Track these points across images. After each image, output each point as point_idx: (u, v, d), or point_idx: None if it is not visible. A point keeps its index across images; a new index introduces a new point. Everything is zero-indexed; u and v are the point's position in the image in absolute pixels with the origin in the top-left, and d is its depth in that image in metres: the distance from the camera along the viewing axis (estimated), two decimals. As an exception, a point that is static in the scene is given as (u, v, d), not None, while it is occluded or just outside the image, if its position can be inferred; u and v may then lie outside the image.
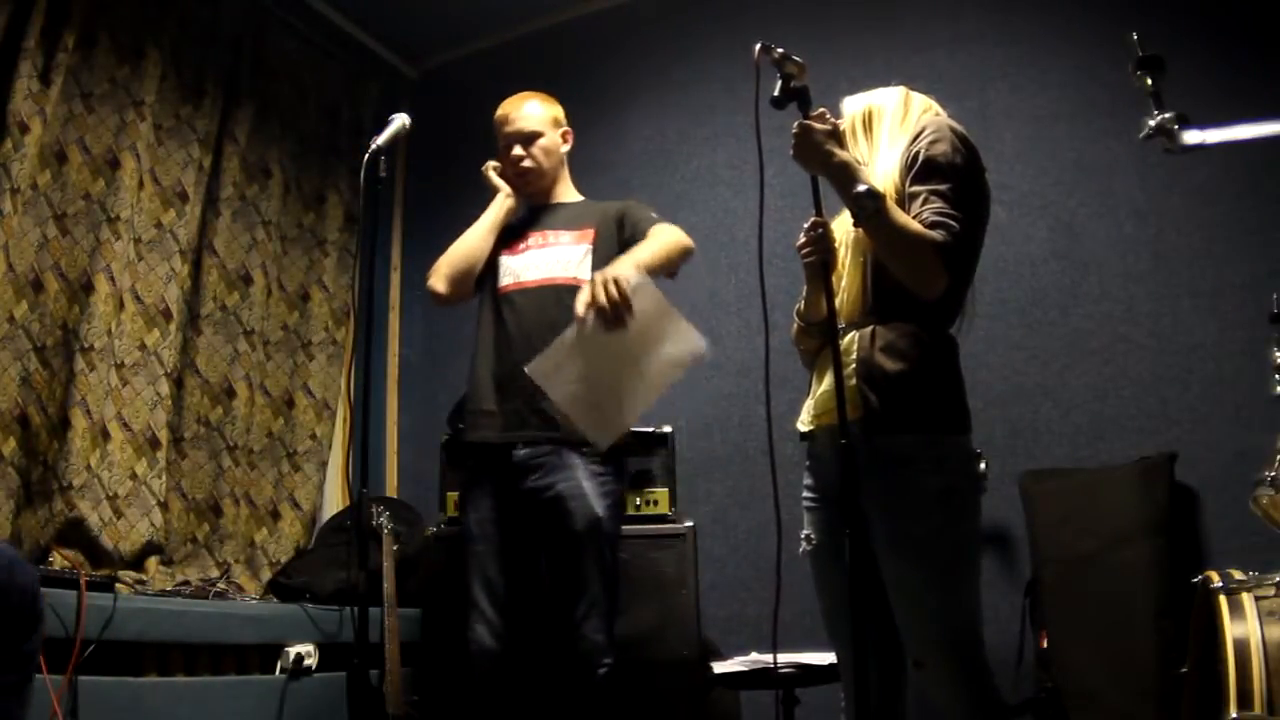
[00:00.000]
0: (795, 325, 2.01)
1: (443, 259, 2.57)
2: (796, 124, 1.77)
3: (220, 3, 3.58)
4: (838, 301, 1.83)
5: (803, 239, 1.81)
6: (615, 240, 2.50)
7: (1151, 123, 1.67)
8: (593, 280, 2.05)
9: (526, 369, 2.03)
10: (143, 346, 3.18)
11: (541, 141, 2.60)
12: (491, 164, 2.68)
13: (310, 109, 3.97)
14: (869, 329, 1.78)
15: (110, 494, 2.96)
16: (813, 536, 1.89)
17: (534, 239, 2.58)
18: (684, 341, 2.02)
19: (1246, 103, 2.62)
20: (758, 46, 1.73)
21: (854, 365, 1.76)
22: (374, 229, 2.62)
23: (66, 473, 2.85)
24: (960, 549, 1.73)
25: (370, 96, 4.22)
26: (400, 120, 2.35)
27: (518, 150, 2.59)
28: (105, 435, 2.99)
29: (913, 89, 2.01)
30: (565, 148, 2.67)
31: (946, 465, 1.73)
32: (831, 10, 3.42)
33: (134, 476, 3.07)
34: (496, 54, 4.25)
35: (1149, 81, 1.70)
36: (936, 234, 1.71)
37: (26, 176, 2.87)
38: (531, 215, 2.66)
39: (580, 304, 2.02)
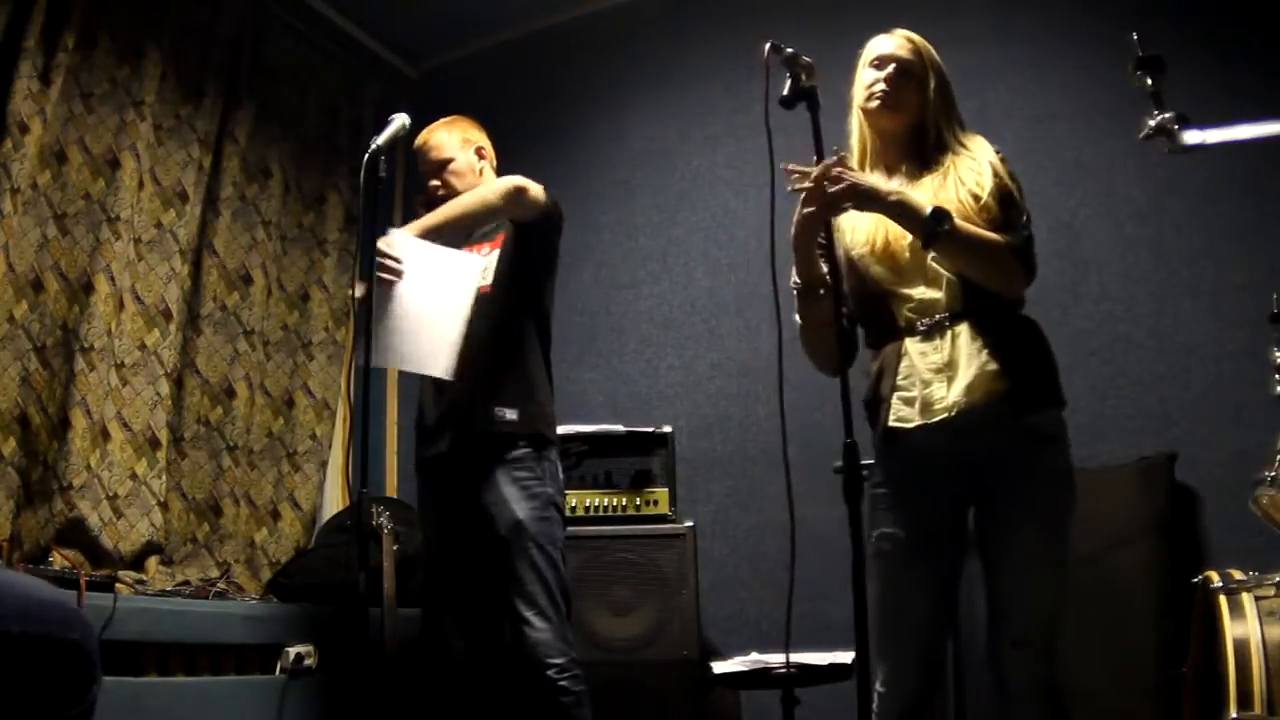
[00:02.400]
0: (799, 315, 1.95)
1: None
2: (829, 172, 1.75)
3: (220, 3, 3.58)
4: (924, 294, 1.85)
5: (805, 183, 1.77)
6: (514, 236, 2.54)
7: (1151, 123, 1.67)
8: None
9: (373, 361, 2.27)
10: (143, 346, 3.18)
11: (453, 166, 2.62)
12: (420, 197, 2.71)
13: (310, 109, 3.98)
14: (984, 316, 1.82)
15: (110, 494, 2.96)
16: (897, 534, 1.85)
17: None
18: (462, 266, 2.38)
19: (1246, 103, 2.62)
20: (767, 45, 1.72)
21: (987, 349, 1.79)
22: (374, 229, 2.62)
23: (66, 473, 2.85)
24: (1072, 531, 1.80)
25: (370, 96, 4.23)
26: (400, 120, 2.35)
27: (433, 181, 2.63)
28: (105, 435, 2.99)
29: None
30: (483, 164, 2.68)
31: (1069, 449, 1.83)
32: (831, 10, 3.42)
33: (134, 476, 3.07)
34: (496, 54, 4.25)
35: (1149, 81, 1.69)
36: (1012, 238, 1.80)
37: (26, 176, 2.87)
38: (467, 233, 2.69)
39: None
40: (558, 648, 2.29)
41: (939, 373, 1.81)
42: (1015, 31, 3.24)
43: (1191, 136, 1.64)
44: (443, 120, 2.70)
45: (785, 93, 1.73)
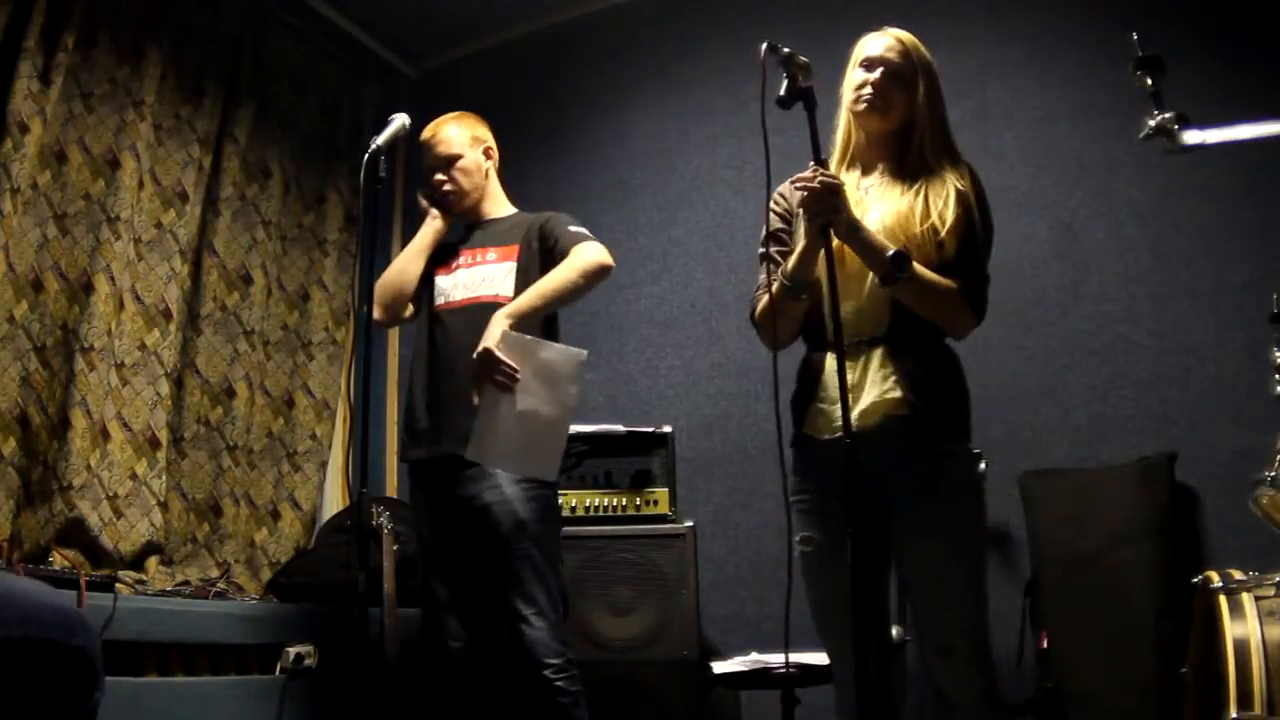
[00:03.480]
0: (770, 292, 1.93)
1: (378, 284, 2.62)
2: (819, 179, 1.75)
3: (220, 3, 3.58)
4: (854, 312, 1.86)
5: (802, 192, 1.78)
6: (538, 254, 2.54)
7: (1151, 123, 1.68)
8: (473, 361, 2.29)
9: (468, 455, 2.29)
10: (143, 346, 3.18)
11: (461, 163, 2.62)
12: (422, 190, 2.72)
13: (310, 109, 3.98)
14: (902, 344, 1.86)
15: (110, 494, 2.96)
16: (814, 537, 1.89)
17: (464, 257, 2.62)
18: (568, 361, 2.33)
19: (1246, 103, 2.61)
20: (764, 46, 1.73)
21: (894, 376, 1.83)
22: (374, 229, 2.63)
23: (66, 473, 2.85)
24: (984, 542, 1.88)
25: (370, 96, 4.23)
26: (400, 120, 2.36)
27: (439, 175, 2.63)
28: (105, 435, 2.99)
29: None
30: (489, 164, 2.68)
31: (974, 465, 1.91)
32: (830, 10, 3.42)
33: (134, 476, 3.07)
34: (496, 54, 4.25)
35: (1149, 81, 1.70)
36: (964, 284, 1.84)
37: (26, 176, 2.87)
38: (466, 233, 2.70)
39: (472, 389, 2.30)
40: (555, 648, 2.30)
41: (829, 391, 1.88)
42: (1015, 31, 3.24)
43: (1191, 136, 1.65)
44: (452, 115, 2.69)
45: (782, 93, 1.73)
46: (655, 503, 2.94)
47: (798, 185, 1.79)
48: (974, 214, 1.89)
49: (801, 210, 1.83)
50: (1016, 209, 3.09)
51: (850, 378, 1.84)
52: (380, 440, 3.99)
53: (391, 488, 4.01)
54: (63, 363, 2.95)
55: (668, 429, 3.05)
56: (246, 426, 3.50)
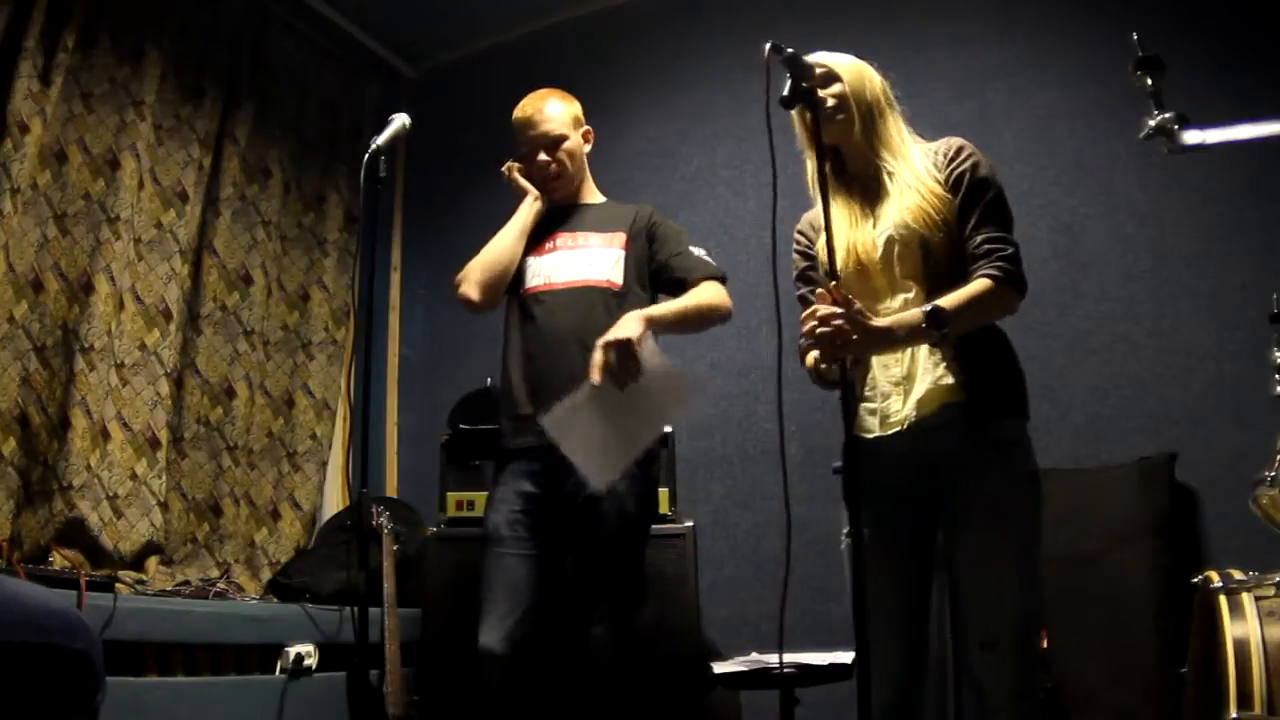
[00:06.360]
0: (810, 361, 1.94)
1: (474, 265, 2.50)
2: (831, 324, 1.69)
3: (220, 3, 3.58)
4: (894, 311, 1.83)
5: (810, 326, 1.72)
6: (646, 254, 2.49)
7: (1151, 123, 1.68)
8: (604, 344, 2.14)
9: (540, 420, 2.14)
10: (143, 346, 3.18)
11: (567, 145, 2.53)
12: (515, 165, 2.61)
13: (310, 109, 3.98)
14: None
15: (110, 494, 2.96)
16: (865, 532, 1.87)
17: (562, 240, 2.53)
18: (680, 386, 2.28)
19: (1246, 103, 2.62)
20: (768, 46, 1.72)
21: (944, 362, 1.82)
22: (374, 229, 2.63)
23: (66, 473, 2.85)
24: (1040, 533, 1.81)
25: (370, 96, 4.23)
26: (400, 120, 2.35)
27: (544, 156, 2.53)
28: (105, 435, 2.99)
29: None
30: (587, 147, 2.63)
31: (1032, 452, 1.85)
32: (831, 11, 3.42)
33: (134, 476, 3.07)
34: (496, 54, 4.25)
35: (1149, 81, 1.70)
36: (995, 272, 1.81)
37: (26, 176, 2.87)
38: (555, 215, 2.59)
39: (594, 367, 2.12)
40: (620, 650, 2.27)
41: (897, 386, 1.85)
42: (1015, 31, 3.24)
43: (1191, 136, 1.65)
44: (550, 92, 2.59)
45: (785, 93, 1.73)
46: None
47: (804, 335, 1.73)
48: (977, 189, 1.88)
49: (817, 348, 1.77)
50: (1016, 209, 3.06)
51: (898, 371, 1.85)
52: (380, 440, 4.00)
53: (391, 488, 4.02)
54: (63, 363, 2.95)
55: (668, 429, 3.04)
56: (246, 426, 3.50)
